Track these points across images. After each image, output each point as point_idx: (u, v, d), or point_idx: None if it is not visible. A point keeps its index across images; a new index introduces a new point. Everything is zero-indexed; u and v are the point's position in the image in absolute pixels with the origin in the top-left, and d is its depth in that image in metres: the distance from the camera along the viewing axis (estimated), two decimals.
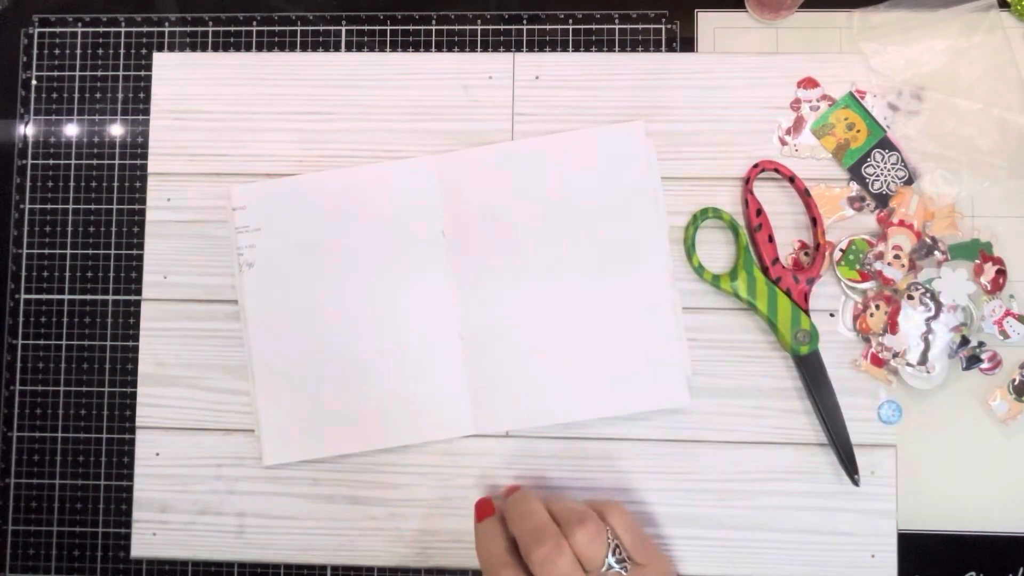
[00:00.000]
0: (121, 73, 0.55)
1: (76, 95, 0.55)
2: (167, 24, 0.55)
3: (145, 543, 0.52)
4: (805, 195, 0.51)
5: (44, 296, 0.54)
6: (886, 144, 0.51)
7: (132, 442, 0.52)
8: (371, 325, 0.51)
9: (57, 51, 0.55)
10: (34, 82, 0.55)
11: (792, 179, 0.51)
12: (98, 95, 0.55)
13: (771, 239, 0.50)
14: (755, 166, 0.51)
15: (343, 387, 0.51)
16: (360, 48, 0.54)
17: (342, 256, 0.51)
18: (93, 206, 0.54)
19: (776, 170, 0.51)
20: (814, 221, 0.51)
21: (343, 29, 0.54)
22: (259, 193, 0.52)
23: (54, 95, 0.55)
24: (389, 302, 0.51)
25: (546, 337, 0.51)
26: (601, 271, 0.51)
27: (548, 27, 0.54)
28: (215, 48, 0.55)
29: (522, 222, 0.51)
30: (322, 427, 0.51)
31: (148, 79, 0.54)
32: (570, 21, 0.54)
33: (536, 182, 0.51)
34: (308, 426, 0.51)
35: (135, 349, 0.53)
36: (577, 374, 0.50)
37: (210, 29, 0.55)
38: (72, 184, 0.54)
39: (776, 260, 0.50)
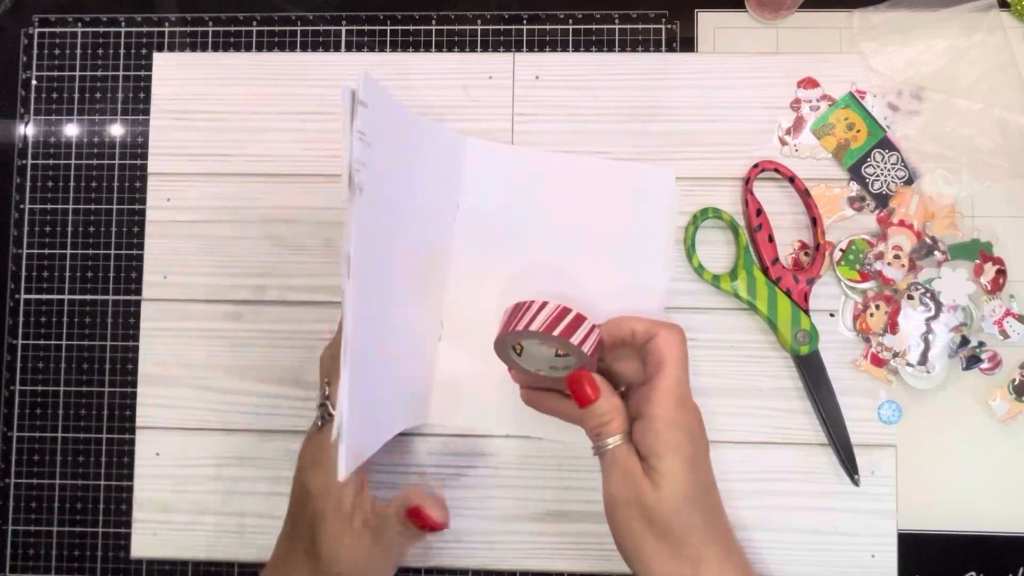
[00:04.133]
0: (121, 73, 0.55)
1: (76, 95, 0.55)
2: (167, 24, 0.55)
3: (145, 543, 0.52)
4: (805, 195, 0.51)
5: (44, 296, 0.54)
6: (886, 144, 0.51)
7: (132, 442, 0.52)
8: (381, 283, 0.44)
9: (57, 51, 0.55)
10: (34, 82, 0.55)
11: (792, 179, 0.51)
12: (98, 95, 0.55)
13: (771, 239, 0.50)
14: (755, 166, 0.51)
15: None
16: (360, 48, 0.54)
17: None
18: (93, 206, 0.54)
19: (776, 170, 0.51)
20: (814, 221, 0.51)
21: (343, 29, 0.54)
22: (378, 98, 0.41)
23: (54, 95, 0.55)
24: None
25: None
26: (596, 296, 0.50)
27: (548, 27, 0.54)
28: (215, 48, 0.55)
29: (534, 229, 0.51)
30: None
31: (148, 79, 0.54)
32: (570, 21, 0.54)
33: (559, 197, 0.51)
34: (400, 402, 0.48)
35: (135, 349, 0.53)
36: None
37: (210, 29, 0.55)
38: (72, 184, 0.54)
39: (776, 260, 0.50)
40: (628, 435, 0.41)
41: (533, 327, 0.41)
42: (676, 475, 0.39)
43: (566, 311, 0.41)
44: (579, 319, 0.41)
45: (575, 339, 0.41)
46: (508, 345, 0.44)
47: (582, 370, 0.42)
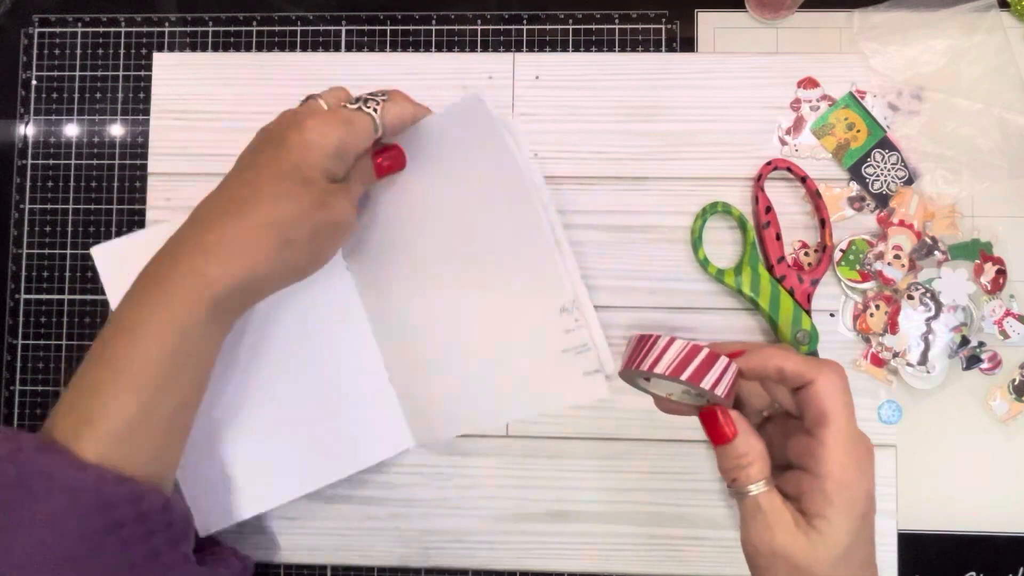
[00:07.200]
0: (121, 73, 0.55)
1: (76, 95, 0.55)
2: (167, 24, 0.55)
3: None
4: (816, 196, 0.51)
5: (44, 296, 0.54)
6: (886, 144, 0.51)
7: None
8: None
9: (57, 51, 0.55)
10: (34, 82, 0.55)
11: (804, 179, 0.51)
12: (98, 95, 0.55)
13: (778, 237, 0.50)
14: (768, 164, 0.51)
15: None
16: (360, 48, 0.54)
17: None
18: (93, 206, 0.54)
19: (789, 169, 0.51)
20: (822, 223, 0.51)
21: (343, 29, 0.54)
22: None
23: (54, 95, 0.55)
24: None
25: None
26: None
27: (548, 27, 0.54)
28: (215, 48, 0.55)
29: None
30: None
31: (148, 79, 0.54)
32: (570, 21, 0.54)
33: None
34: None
35: None
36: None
37: (210, 29, 0.55)
38: (72, 184, 0.54)
39: (782, 259, 0.50)
40: (771, 479, 0.37)
41: (659, 369, 0.37)
42: (840, 534, 0.36)
43: (696, 350, 0.37)
44: (711, 359, 0.37)
45: (706, 383, 0.37)
46: (634, 376, 0.40)
47: (716, 405, 0.38)
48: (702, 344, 0.37)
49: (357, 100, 0.43)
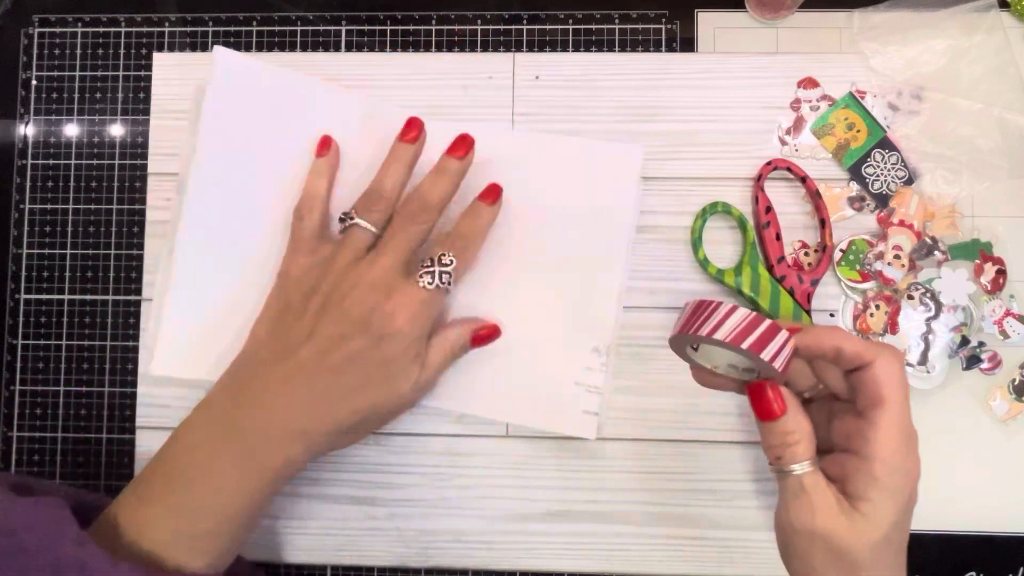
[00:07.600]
0: (121, 73, 0.55)
1: (76, 95, 0.55)
2: (167, 24, 0.55)
3: None
4: (816, 196, 0.51)
5: (44, 296, 0.54)
6: (886, 144, 0.51)
7: (132, 442, 0.52)
8: None
9: (57, 51, 0.55)
10: (34, 82, 0.55)
11: (804, 179, 0.51)
12: (98, 95, 0.55)
13: (778, 237, 0.50)
14: (768, 164, 0.51)
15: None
16: (360, 48, 0.54)
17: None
18: (93, 206, 0.54)
19: (789, 169, 0.51)
20: (822, 223, 0.51)
21: (343, 29, 0.54)
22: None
23: (54, 95, 0.55)
24: None
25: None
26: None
27: (548, 27, 0.54)
28: None
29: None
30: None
31: (148, 79, 0.54)
32: (570, 21, 0.54)
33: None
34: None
35: (135, 349, 0.53)
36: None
37: (210, 29, 0.55)
38: (72, 184, 0.54)
39: (782, 259, 0.50)
40: (815, 459, 0.37)
41: (719, 335, 0.36)
42: (884, 518, 0.36)
43: (758, 320, 0.36)
44: (772, 330, 0.36)
45: (766, 354, 0.36)
46: (685, 343, 0.40)
47: (768, 380, 0.37)
48: (763, 316, 0.37)
49: (428, 265, 0.44)
